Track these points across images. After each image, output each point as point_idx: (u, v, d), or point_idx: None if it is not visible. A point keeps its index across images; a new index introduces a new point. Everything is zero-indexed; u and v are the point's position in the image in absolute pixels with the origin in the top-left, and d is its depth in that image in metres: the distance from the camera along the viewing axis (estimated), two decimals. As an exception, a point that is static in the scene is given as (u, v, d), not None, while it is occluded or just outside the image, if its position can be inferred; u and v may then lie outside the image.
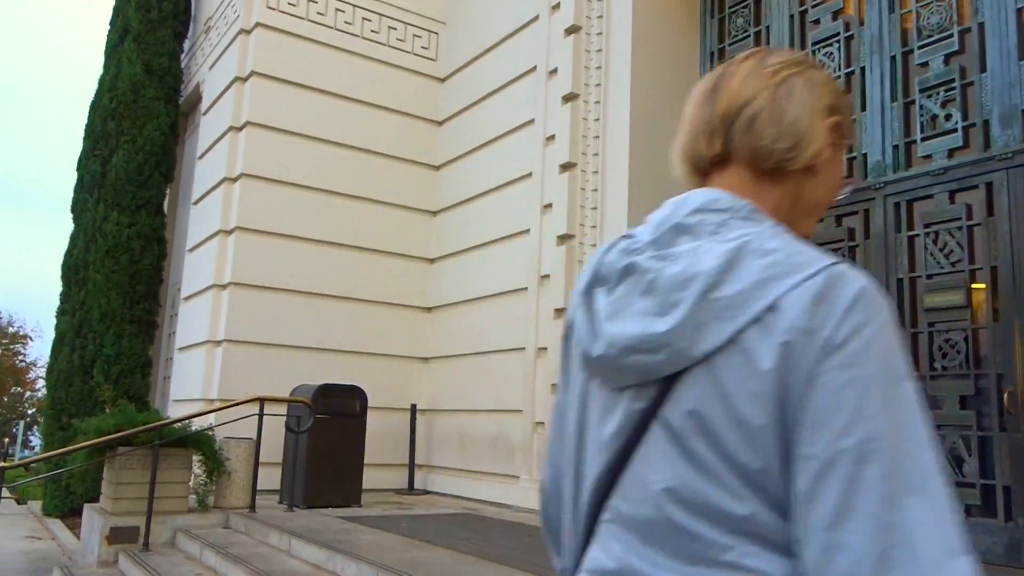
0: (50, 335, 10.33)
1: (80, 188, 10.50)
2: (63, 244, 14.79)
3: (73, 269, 10.00)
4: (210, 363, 8.17)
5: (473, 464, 7.93)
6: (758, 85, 0.94)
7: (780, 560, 0.78)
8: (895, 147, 5.30)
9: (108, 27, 11.14)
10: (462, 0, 9.37)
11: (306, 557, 5.03)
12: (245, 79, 8.61)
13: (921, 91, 5.23)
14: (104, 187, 9.93)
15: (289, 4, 8.68)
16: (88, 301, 9.58)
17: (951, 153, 5.01)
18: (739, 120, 0.93)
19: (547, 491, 1.10)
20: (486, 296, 8.13)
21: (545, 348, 6.99)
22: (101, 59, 11.06)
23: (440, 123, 9.40)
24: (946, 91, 5.09)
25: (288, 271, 8.35)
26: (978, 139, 4.90)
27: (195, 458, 6.54)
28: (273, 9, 8.60)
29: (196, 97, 10.67)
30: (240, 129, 8.55)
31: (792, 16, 6.33)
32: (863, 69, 5.70)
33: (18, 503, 8.15)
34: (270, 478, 7.00)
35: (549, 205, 7.20)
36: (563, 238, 6.95)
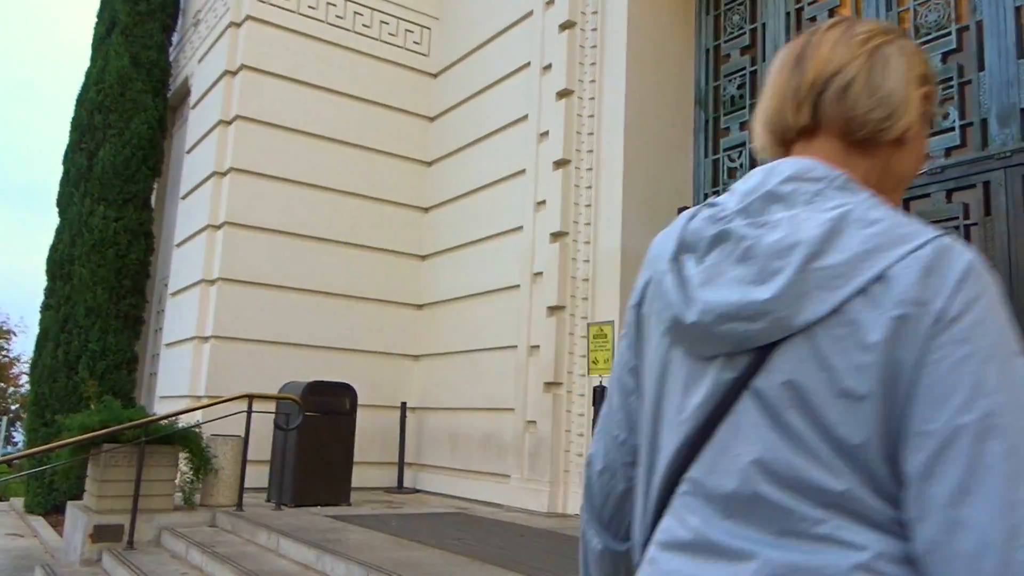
0: (34, 330, 10.20)
1: (66, 182, 10.36)
2: (48, 237, 14.63)
3: (58, 263, 9.87)
4: (197, 359, 8.08)
5: (464, 463, 7.87)
6: (849, 53, 0.92)
7: (875, 535, 0.77)
8: (892, 145, 5.27)
9: (95, 19, 11.00)
10: (455, -5, 9.31)
11: (294, 556, 4.95)
12: (235, 73, 8.51)
13: (919, 89, 5.20)
14: (90, 181, 9.81)
15: (280, -3, 8.59)
16: (73, 296, 9.46)
17: (948, 152, 4.99)
18: (830, 89, 0.91)
19: (596, 465, 1.06)
20: (478, 293, 8.07)
21: (538, 346, 6.94)
22: (88, 52, 10.93)
23: (432, 119, 9.33)
24: (944, 89, 5.06)
25: (277, 267, 8.27)
26: (976, 138, 4.88)
27: (181, 455, 6.46)
28: (263, 2, 8.51)
29: (184, 91, 10.56)
30: (229, 123, 8.45)
31: (788, 13, 6.31)
32: (860, 67, 5.66)
33: (0, 500, 8.03)
34: (258, 476, 6.92)
35: (543, 202, 7.14)
36: (556, 235, 6.90)
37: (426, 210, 9.20)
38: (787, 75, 0.95)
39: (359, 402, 7.33)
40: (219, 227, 8.25)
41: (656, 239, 0.98)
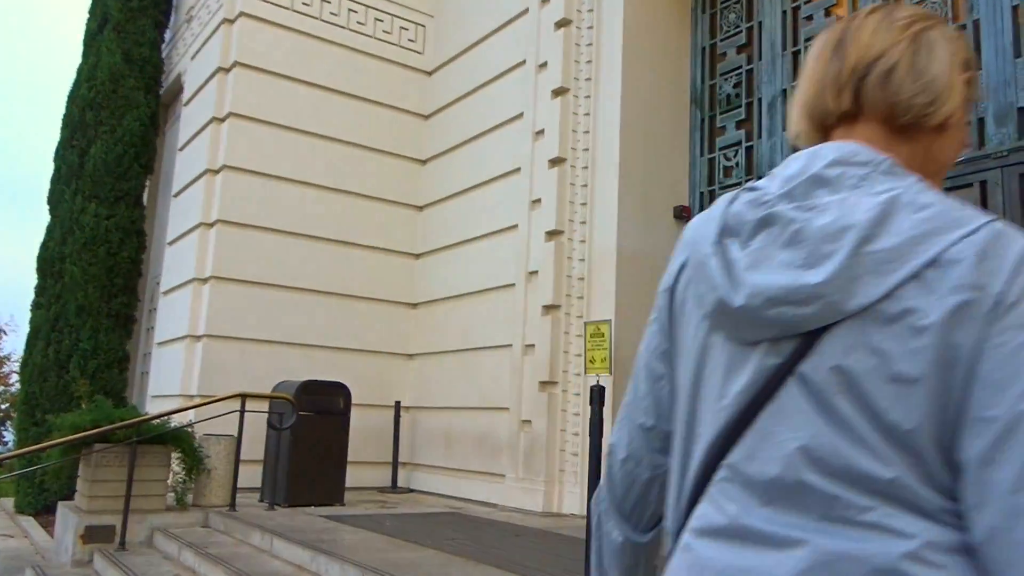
0: (24, 329, 10.12)
1: (57, 179, 10.29)
2: (39, 235, 14.52)
3: (49, 261, 9.80)
4: (190, 358, 8.02)
5: (458, 462, 7.84)
6: (891, 38, 0.91)
7: (924, 524, 0.76)
8: (889, 144, 5.27)
9: (87, 15, 10.92)
10: (450, -7, 9.27)
11: (288, 557, 4.91)
12: (228, 69, 8.45)
13: (915, 88, 5.20)
14: (82, 178, 9.74)
15: (274, -7, 8.53)
16: (64, 294, 9.40)
17: (945, 151, 4.97)
18: (872, 74, 0.90)
19: (618, 453, 1.04)
20: (473, 292, 8.04)
21: (533, 345, 6.91)
22: (80, 48, 10.85)
23: (427, 117, 9.28)
24: (941, 88, 5.05)
25: (271, 265, 8.21)
26: (972, 137, 4.87)
27: (174, 455, 6.41)
28: (257, -2, 8.45)
29: (177, 88, 10.49)
30: (223, 120, 8.39)
31: (785, 12, 6.30)
32: (856, 66, 5.65)
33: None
34: (251, 476, 6.87)
35: (538, 200, 7.11)
36: (552, 234, 6.87)
37: (421, 208, 9.16)
38: (827, 61, 0.95)
39: (353, 401, 7.29)
40: (212, 225, 8.20)
41: (693, 223, 0.96)
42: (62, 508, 6.60)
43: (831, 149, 0.89)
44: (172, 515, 6.24)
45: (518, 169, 7.49)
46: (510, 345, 7.24)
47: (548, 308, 6.78)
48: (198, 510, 6.40)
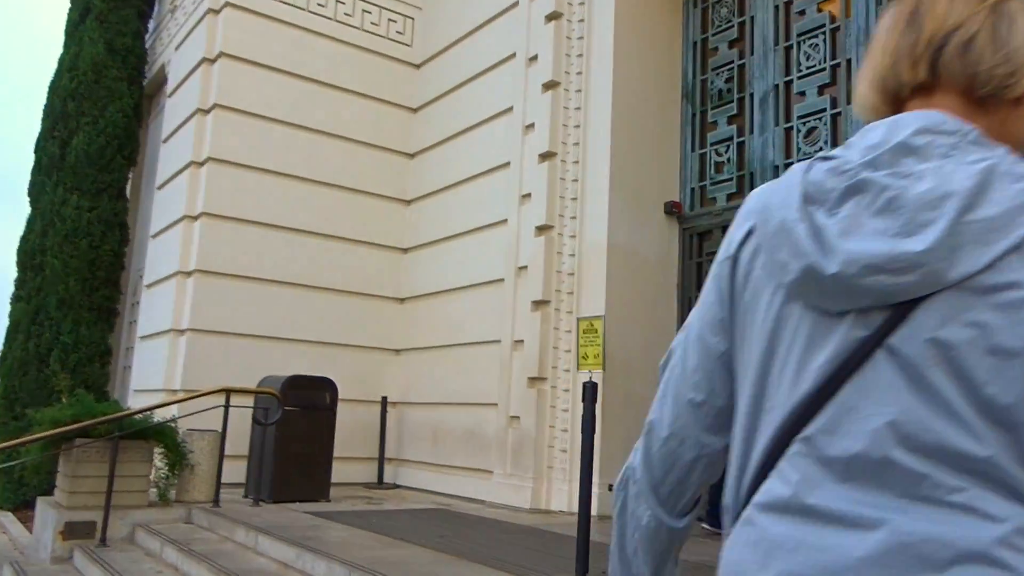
0: (4, 322, 9.98)
1: (38, 171, 10.12)
2: (19, 227, 14.31)
3: (29, 254, 9.65)
4: (173, 352, 7.91)
5: (446, 458, 7.78)
6: (968, 9, 0.89)
7: (1016, 508, 0.73)
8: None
9: (69, 5, 10.75)
10: (439, -15, 9.18)
11: (273, 555, 4.84)
12: (213, 60, 8.33)
13: (908, 84, 5.18)
14: (63, 170, 9.60)
15: (260, -17, 8.42)
16: (45, 287, 9.26)
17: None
18: (950, 44, 0.88)
19: (660, 431, 0.99)
20: (461, 287, 7.97)
21: (522, 341, 6.86)
22: (61, 38, 10.67)
23: (415, 110, 9.20)
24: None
25: (256, 259, 8.11)
26: None
27: (156, 451, 6.31)
28: (243, -12, 8.33)
29: (161, 79, 10.34)
30: (207, 112, 8.27)
31: (777, 7, 6.27)
32: (849, 62, 5.64)
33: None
34: (235, 472, 6.78)
35: (528, 195, 7.05)
36: (542, 229, 6.82)
37: (408, 202, 9.08)
38: (901, 32, 0.92)
39: (339, 397, 7.21)
40: (196, 218, 8.08)
41: (762, 190, 0.93)
42: (41, 503, 6.49)
43: (914, 118, 0.86)
44: (155, 511, 6.14)
45: (508, 163, 7.43)
46: (499, 341, 7.18)
47: (538, 303, 6.73)
48: (181, 506, 6.31)
